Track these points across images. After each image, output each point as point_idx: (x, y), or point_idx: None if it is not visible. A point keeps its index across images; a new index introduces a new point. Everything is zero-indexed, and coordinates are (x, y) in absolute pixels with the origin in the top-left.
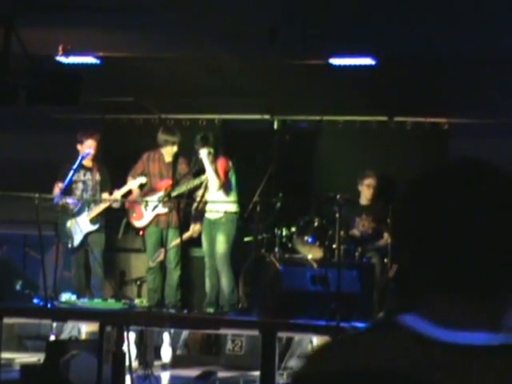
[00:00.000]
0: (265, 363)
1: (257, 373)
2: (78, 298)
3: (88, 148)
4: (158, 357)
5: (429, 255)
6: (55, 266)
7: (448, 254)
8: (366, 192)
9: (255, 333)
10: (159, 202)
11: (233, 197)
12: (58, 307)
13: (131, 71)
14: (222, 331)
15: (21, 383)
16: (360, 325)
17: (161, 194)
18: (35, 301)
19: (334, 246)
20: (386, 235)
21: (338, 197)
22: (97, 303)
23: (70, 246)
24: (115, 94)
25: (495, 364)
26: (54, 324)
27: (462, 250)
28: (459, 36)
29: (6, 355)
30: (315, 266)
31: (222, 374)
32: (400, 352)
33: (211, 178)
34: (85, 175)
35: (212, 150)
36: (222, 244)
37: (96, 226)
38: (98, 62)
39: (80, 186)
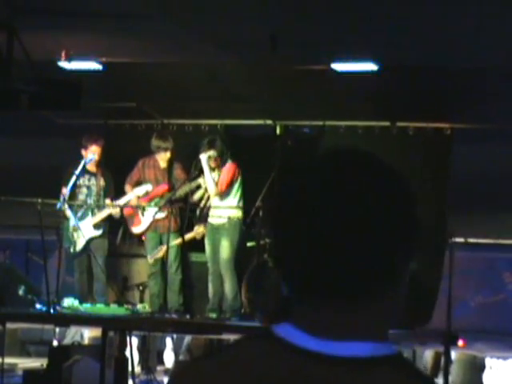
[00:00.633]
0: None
1: None
2: (81, 303)
3: (92, 153)
4: (161, 362)
5: (289, 252)
6: (58, 271)
7: (309, 250)
8: None
9: None
10: (158, 208)
11: (236, 202)
12: (61, 312)
13: (134, 77)
14: (225, 336)
15: None
16: None
17: (157, 199)
18: (38, 306)
19: None
20: None
21: None
22: (99, 308)
23: (72, 250)
24: (118, 99)
25: (377, 379)
26: (57, 329)
27: (324, 247)
28: (461, 41)
29: (9, 360)
30: None
31: None
32: (271, 366)
33: (208, 184)
34: (89, 180)
35: (214, 154)
36: (225, 249)
37: (99, 232)
38: (100, 67)
39: (84, 190)
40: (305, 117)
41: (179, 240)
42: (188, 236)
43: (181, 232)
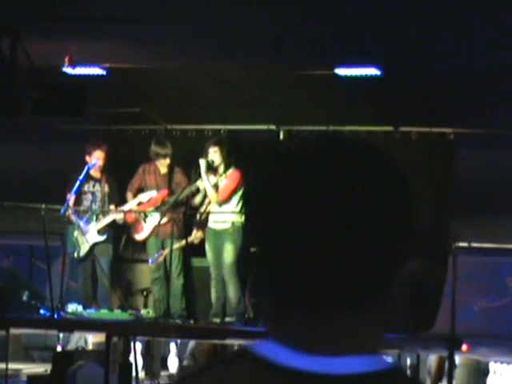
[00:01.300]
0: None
1: None
2: (85, 308)
3: (95, 159)
4: (165, 367)
5: (266, 255)
6: (61, 276)
7: (287, 253)
8: None
9: None
10: (161, 214)
11: (240, 207)
12: (65, 318)
13: (137, 82)
14: (229, 341)
15: None
16: None
17: (158, 205)
18: (42, 311)
19: None
20: None
21: None
22: (103, 314)
23: (76, 256)
24: (121, 104)
25: None
26: (61, 335)
27: (312, 250)
28: (465, 46)
29: (13, 366)
30: None
31: None
32: None
33: (207, 189)
34: (94, 186)
35: (214, 159)
36: (229, 254)
37: (103, 237)
38: (104, 72)
39: (89, 196)
40: (308, 122)
41: (182, 243)
42: (188, 240)
43: (183, 237)
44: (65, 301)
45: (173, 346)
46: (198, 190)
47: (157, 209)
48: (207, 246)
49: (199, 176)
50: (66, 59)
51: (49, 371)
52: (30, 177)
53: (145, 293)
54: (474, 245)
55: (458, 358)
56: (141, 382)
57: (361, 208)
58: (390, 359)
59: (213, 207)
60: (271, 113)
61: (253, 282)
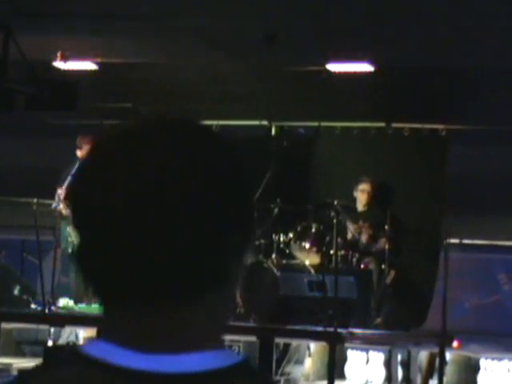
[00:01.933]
0: (262, 369)
1: None
2: (76, 303)
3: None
4: None
5: (90, 247)
6: (53, 271)
7: (113, 244)
8: (360, 197)
9: (253, 338)
10: None
11: None
12: (56, 312)
13: (129, 77)
14: None
15: None
16: (357, 330)
17: None
18: (33, 306)
19: (332, 251)
20: (382, 241)
21: (336, 203)
22: (94, 308)
23: (69, 251)
24: (113, 99)
25: None
26: (52, 329)
27: (131, 240)
28: (457, 43)
29: (4, 360)
30: (312, 271)
31: None
32: None
33: None
34: None
35: None
36: None
37: None
38: (96, 67)
39: None
40: (300, 118)
41: None
42: None
43: None
44: (56, 295)
45: None
46: None
47: None
48: None
49: None
50: (59, 54)
51: None
52: (22, 171)
53: None
54: (466, 241)
55: (448, 355)
56: None
57: (188, 195)
58: (236, 353)
59: None
60: (263, 108)
61: (243, 277)
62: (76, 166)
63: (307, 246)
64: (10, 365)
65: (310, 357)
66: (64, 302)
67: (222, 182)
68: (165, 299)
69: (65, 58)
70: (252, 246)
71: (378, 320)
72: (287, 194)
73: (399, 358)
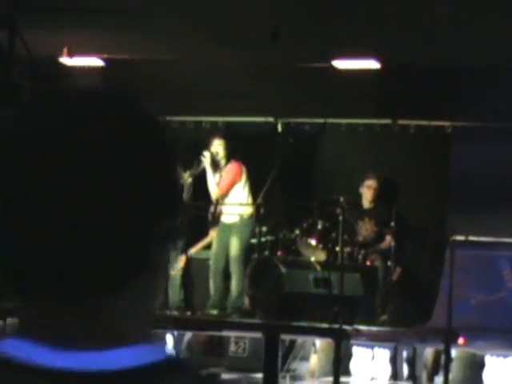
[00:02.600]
0: (268, 365)
1: (260, 375)
2: None
3: None
4: None
5: None
6: None
7: (16, 233)
8: (366, 194)
9: (258, 335)
10: None
11: (245, 199)
12: None
13: (134, 73)
14: (225, 333)
15: None
16: (362, 327)
17: None
18: None
19: (337, 248)
20: (388, 238)
21: (342, 199)
22: None
23: None
24: None
25: None
26: None
27: (39, 228)
28: (462, 40)
29: None
30: (318, 268)
31: (225, 376)
32: None
33: (210, 186)
34: None
35: (221, 151)
36: (235, 247)
37: None
38: (102, 63)
39: None
40: (306, 114)
41: (198, 246)
42: (204, 242)
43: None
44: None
45: (169, 338)
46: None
47: None
48: (215, 239)
49: (198, 167)
50: (65, 50)
51: None
52: None
53: None
54: (471, 238)
55: (454, 352)
56: None
57: (100, 174)
58: (164, 348)
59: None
60: (269, 105)
61: (249, 274)
62: None
63: (313, 242)
64: None
65: (316, 353)
66: None
67: (143, 163)
68: (80, 292)
69: (71, 54)
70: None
71: (384, 317)
72: (293, 190)
73: (404, 354)
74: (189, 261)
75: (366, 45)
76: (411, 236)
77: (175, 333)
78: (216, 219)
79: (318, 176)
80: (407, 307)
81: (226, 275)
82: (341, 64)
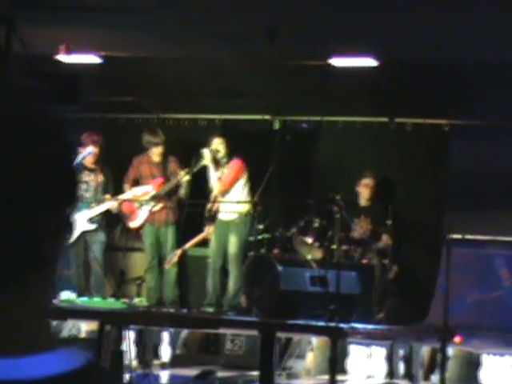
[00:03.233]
0: (264, 363)
1: (256, 373)
2: (78, 296)
3: (90, 148)
4: (157, 356)
5: None
6: None
7: None
8: (364, 192)
9: (254, 333)
10: (153, 202)
11: (244, 197)
12: (58, 306)
13: (131, 71)
14: (222, 331)
15: None
16: (359, 325)
17: (153, 192)
18: None
19: (334, 246)
20: (385, 237)
21: (338, 198)
22: (96, 302)
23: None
24: (115, 93)
25: None
26: (54, 322)
27: None
28: (460, 37)
29: None
30: (314, 266)
31: (221, 374)
32: None
33: (212, 181)
34: (88, 176)
35: (219, 149)
36: (233, 245)
37: (93, 226)
38: (98, 61)
39: (83, 186)
40: (303, 112)
41: (193, 241)
42: (200, 237)
43: (178, 227)
44: (58, 289)
45: (165, 335)
46: (178, 186)
47: (152, 197)
48: (213, 236)
49: (197, 164)
50: (61, 47)
51: None
52: None
53: (138, 281)
54: (468, 237)
55: (450, 350)
56: (133, 371)
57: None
58: (79, 353)
59: (221, 198)
60: (266, 103)
61: (246, 272)
62: (79, 159)
63: (309, 240)
64: None
65: (312, 351)
66: (66, 295)
67: (32, 157)
68: None
69: (67, 52)
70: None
71: (380, 315)
72: (290, 188)
73: (401, 353)
74: (183, 256)
75: (363, 43)
76: (408, 234)
77: (171, 330)
78: (212, 216)
79: (314, 174)
80: (404, 305)
81: (224, 273)
82: (338, 62)
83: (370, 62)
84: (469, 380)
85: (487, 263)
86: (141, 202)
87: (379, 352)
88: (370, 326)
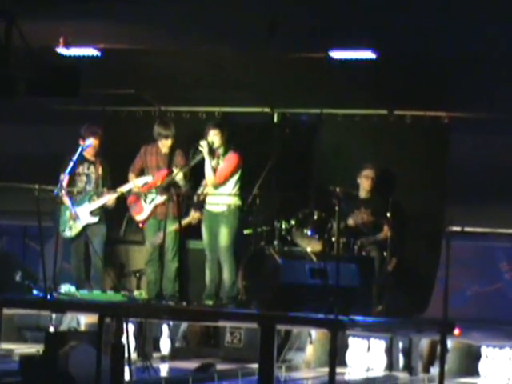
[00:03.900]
0: (263, 356)
1: (255, 365)
2: (78, 289)
3: (89, 141)
4: (157, 349)
5: None
6: (55, 257)
7: None
8: (364, 183)
9: (254, 325)
10: (157, 194)
11: (235, 190)
12: (58, 299)
13: (132, 63)
14: (221, 324)
15: (20, 374)
16: (358, 318)
17: (151, 182)
18: (35, 292)
19: (333, 239)
20: (385, 228)
21: (338, 190)
22: (96, 295)
23: (68, 235)
24: (116, 86)
25: None
26: (54, 315)
27: None
28: (460, 30)
29: (5, 346)
30: (314, 259)
31: (220, 367)
32: None
33: (207, 172)
34: (88, 169)
35: (216, 141)
36: (224, 237)
37: (96, 219)
38: (98, 54)
39: (83, 178)
40: (302, 105)
41: (176, 226)
42: (184, 222)
43: (178, 218)
44: (58, 282)
45: (165, 328)
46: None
47: (156, 189)
48: (203, 229)
49: (195, 158)
50: (61, 40)
51: (41, 352)
52: (24, 157)
53: (138, 274)
54: (468, 229)
55: (450, 343)
56: (133, 363)
57: None
58: None
59: (210, 189)
60: (265, 95)
61: (245, 265)
62: (77, 152)
63: (309, 233)
64: (12, 350)
65: (312, 344)
66: (65, 288)
67: None
68: None
69: (67, 44)
70: None
71: (380, 307)
72: (289, 180)
73: (400, 345)
74: (187, 252)
75: (363, 35)
76: (407, 226)
77: (171, 323)
78: (200, 202)
79: (314, 166)
80: (403, 298)
81: (220, 265)
82: (338, 54)
83: (369, 54)
84: (468, 372)
85: (487, 256)
86: (139, 194)
87: (379, 344)
88: (370, 319)
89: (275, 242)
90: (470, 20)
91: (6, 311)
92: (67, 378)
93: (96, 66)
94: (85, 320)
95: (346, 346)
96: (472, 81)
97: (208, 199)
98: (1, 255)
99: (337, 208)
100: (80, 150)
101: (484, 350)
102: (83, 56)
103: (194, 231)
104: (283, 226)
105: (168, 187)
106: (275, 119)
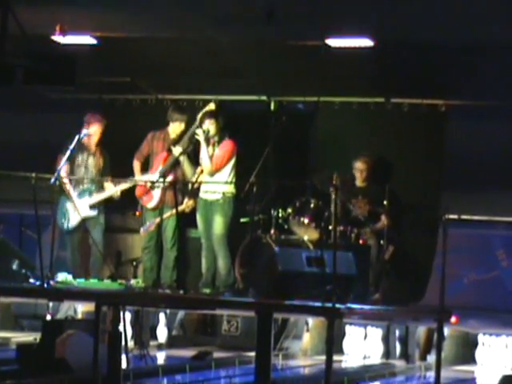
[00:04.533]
0: (260, 344)
1: (252, 353)
2: (75, 277)
3: (87, 129)
4: (154, 337)
5: None
6: (51, 245)
7: None
8: (359, 173)
9: (251, 314)
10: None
11: (230, 178)
12: (55, 287)
13: (128, 51)
14: (218, 312)
15: (17, 362)
16: (355, 306)
17: (160, 168)
18: (31, 280)
19: (330, 227)
20: (382, 217)
21: (335, 178)
22: (93, 283)
23: (65, 226)
24: (112, 74)
25: None
26: (51, 304)
27: None
28: (457, 18)
29: (2, 334)
30: (311, 247)
31: (217, 355)
32: None
33: (203, 159)
34: (87, 160)
35: (211, 128)
36: (219, 225)
37: (94, 213)
38: (95, 42)
39: (82, 169)
40: (299, 93)
41: (172, 212)
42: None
43: (174, 206)
44: (55, 270)
45: (162, 316)
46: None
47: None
48: (198, 217)
49: (190, 145)
50: (58, 28)
51: (38, 340)
52: (21, 146)
53: (135, 262)
54: (464, 217)
55: (446, 330)
56: (130, 352)
57: None
58: None
59: (204, 177)
60: (262, 83)
61: (241, 253)
62: (75, 140)
63: (306, 221)
64: (9, 339)
65: (309, 332)
66: (62, 276)
67: None
68: None
69: (63, 32)
70: None
71: (377, 295)
72: (286, 168)
73: (397, 333)
74: (186, 241)
75: (360, 23)
76: (404, 214)
77: (167, 311)
78: (194, 190)
79: (311, 154)
80: (400, 286)
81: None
82: (334, 42)
83: (366, 42)
84: (465, 360)
85: (484, 244)
86: (136, 182)
87: (375, 332)
88: (367, 307)
89: (272, 231)
90: (467, 8)
91: (3, 300)
92: (64, 366)
93: (92, 54)
94: (82, 308)
95: (342, 334)
96: (469, 69)
97: (202, 187)
98: None
99: (333, 196)
100: (77, 137)
101: (481, 338)
102: (80, 44)
103: (193, 220)
104: (280, 215)
105: (173, 166)
106: (272, 107)
